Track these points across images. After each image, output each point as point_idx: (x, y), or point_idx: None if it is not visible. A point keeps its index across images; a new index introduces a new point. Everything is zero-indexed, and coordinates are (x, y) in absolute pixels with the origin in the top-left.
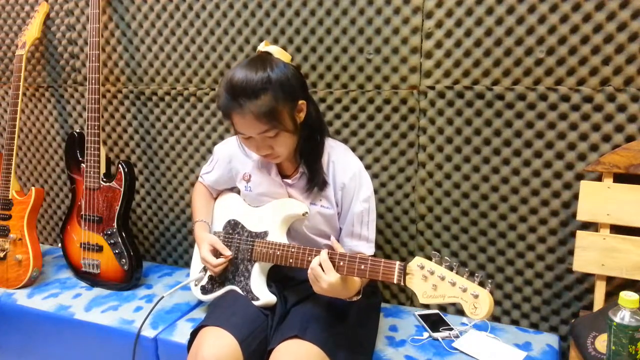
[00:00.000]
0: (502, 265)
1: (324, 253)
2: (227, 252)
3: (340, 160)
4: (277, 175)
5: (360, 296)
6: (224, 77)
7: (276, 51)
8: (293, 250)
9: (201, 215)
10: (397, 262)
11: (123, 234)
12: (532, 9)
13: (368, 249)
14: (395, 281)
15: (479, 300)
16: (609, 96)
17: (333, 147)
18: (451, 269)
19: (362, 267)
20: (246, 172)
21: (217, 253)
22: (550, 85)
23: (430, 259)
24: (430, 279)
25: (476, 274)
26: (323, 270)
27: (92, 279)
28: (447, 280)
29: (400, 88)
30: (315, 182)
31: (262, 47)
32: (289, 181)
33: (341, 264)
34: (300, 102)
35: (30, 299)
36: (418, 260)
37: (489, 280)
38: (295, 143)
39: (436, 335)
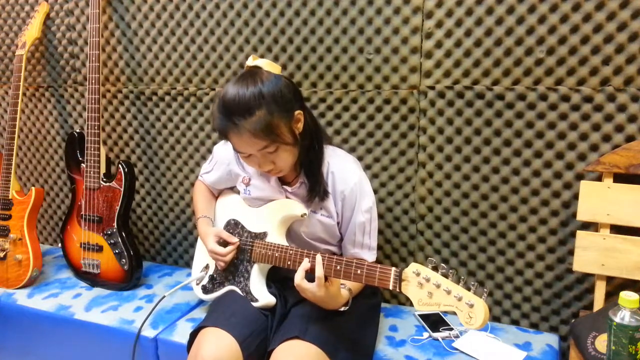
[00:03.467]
0: (502, 265)
1: (307, 261)
2: (234, 239)
3: (340, 170)
4: (277, 183)
5: (348, 307)
6: (216, 97)
7: (265, 64)
8: (291, 252)
9: (203, 211)
10: (393, 268)
11: (123, 234)
12: (532, 9)
13: (370, 256)
14: (390, 287)
15: (474, 309)
16: (609, 96)
17: (332, 156)
18: (447, 276)
19: (359, 272)
20: (246, 175)
21: (223, 244)
22: (550, 85)
23: (427, 265)
24: (425, 287)
25: (472, 283)
26: (312, 280)
27: (92, 279)
28: (443, 288)
29: (400, 88)
30: (316, 191)
31: (250, 61)
32: (288, 188)
33: (338, 268)
34: (297, 112)
35: (30, 299)
36: (414, 266)
37: (485, 290)
38: (297, 155)
39: (436, 335)
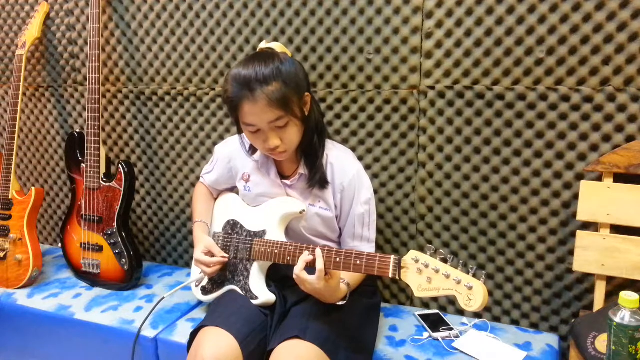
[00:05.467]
0: (502, 265)
1: (307, 253)
2: (224, 255)
3: (339, 162)
4: (277, 176)
5: (346, 302)
6: (229, 74)
7: (278, 47)
8: (291, 247)
9: (201, 215)
10: (392, 256)
11: (123, 234)
12: (532, 9)
13: (369, 249)
14: (390, 275)
15: (473, 291)
16: (609, 96)
17: (331, 149)
18: (445, 261)
19: (358, 262)
20: (245, 172)
21: (212, 256)
22: (550, 85)
23: (426, 252)
24: (424, 272)
25: (470, 266)
26: (312, 273)
27: (92, 279)
28: (442, 273)
29: (400, 88)
30: (316, 180)
31: (264, 44)
32: (287, 182)
33: (337, 260)
34: (306, 95)
35: (30, 299)
36: (412, 253)
37: (483, 272)
38: (301, 137)
39: (436, 335)
